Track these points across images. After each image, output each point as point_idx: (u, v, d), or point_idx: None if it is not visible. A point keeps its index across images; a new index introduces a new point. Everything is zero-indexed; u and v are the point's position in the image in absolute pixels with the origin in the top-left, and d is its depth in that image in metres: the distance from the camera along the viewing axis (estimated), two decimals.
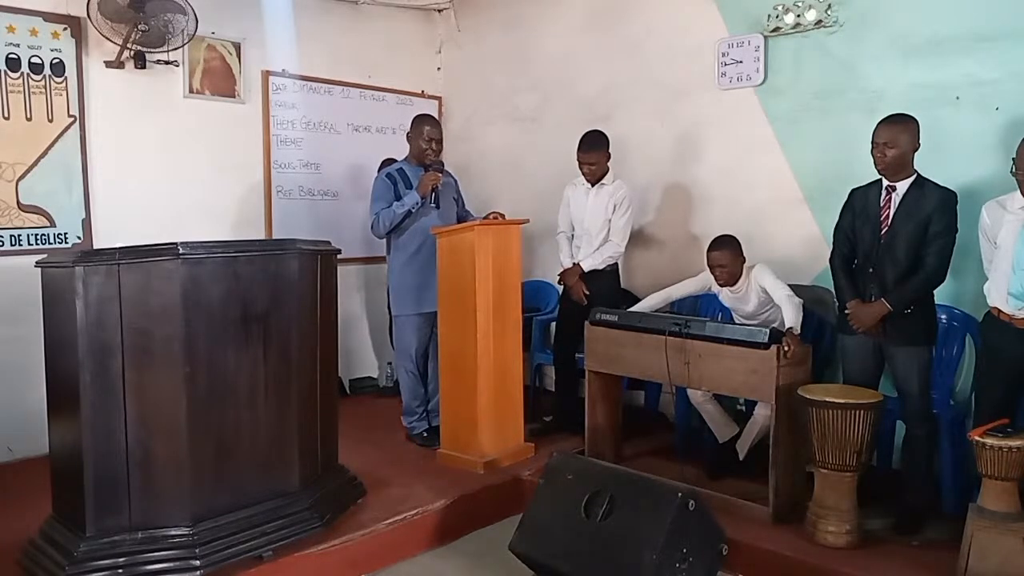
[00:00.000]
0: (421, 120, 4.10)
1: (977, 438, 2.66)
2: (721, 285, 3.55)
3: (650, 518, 2.59)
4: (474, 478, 3.60)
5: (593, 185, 4.12)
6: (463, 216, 4.24)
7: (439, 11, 5.60)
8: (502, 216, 3.91)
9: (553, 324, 4.70)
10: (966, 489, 3.16)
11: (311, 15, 4.92)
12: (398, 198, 3.94)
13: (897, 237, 3.04)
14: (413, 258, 4.01)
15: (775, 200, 4.04)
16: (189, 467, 2.63)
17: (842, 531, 2.93)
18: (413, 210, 3.93)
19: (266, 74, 4.73)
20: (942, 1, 3.50)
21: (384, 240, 4.14)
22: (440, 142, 4.09)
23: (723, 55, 4.19)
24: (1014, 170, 2.78)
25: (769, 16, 3.99)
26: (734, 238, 3.52)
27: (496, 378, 3.73)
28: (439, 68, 5.71)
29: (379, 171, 4.66)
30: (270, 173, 4.77)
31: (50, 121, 3.92)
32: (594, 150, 4.05)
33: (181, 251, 2.56)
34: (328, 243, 3.23)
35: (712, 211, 4.30)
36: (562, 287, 4.22)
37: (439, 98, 5.69)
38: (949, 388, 3.41)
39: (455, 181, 4.25)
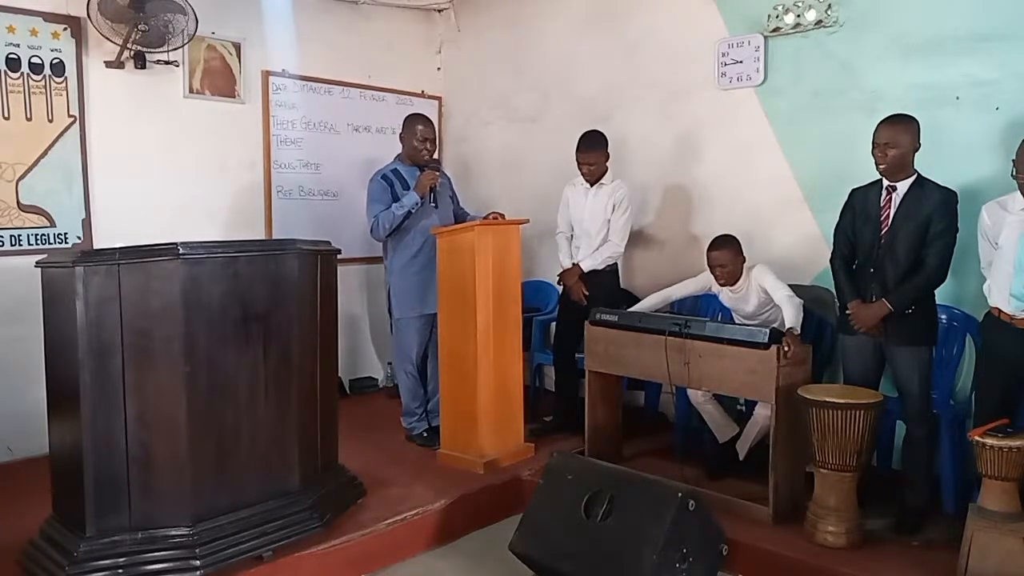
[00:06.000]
0: (413, 119, 4.08)
1: (977, 438, 2.66)
2: (721, 285, 3.55)
3: (650, 518, 2.59)
4: (474, 478, 3.60)
5: (592, 185, 4.11)
6: (459, 213, 4.23)
7: (439, 11, 5.60)
8: (502, 216, 3.91)
9: (553, 324, 4.70)
10: (966, 489, 3.17)
11: (311, 15, 4.92)
12: (395, 199, 3.93)
13: (897, 237, 3.04)
14: (414, 259, 4.00)
15: (775, 200, 4.04)
16: (189, 467, 2.63)
17: (842, 531, 2.93)
18: (412, 211, 3.92)
19: (266, 74, 4.73)
20: (942, 1, 3.50)
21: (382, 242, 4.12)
22: (434, 141, 4.08)
23: (723, 55, 4.18)
24: (1014, 173, 2.79)
25: (769, 16, 3.99)
26: (734, 238, 3.52)
27: (496, 378, 3.72)
28: (439, 68, 5.71)
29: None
30: (270, 173, 4.77)
31: (50, 121, 3.91)
32: (593, 150, 4.04)
33: (181, 251, 2.56)
34: (328, 243, 3.23)
35: (712, 211, 4.30)
36: (562, 287, 4.22)
37: (439, 98, 5.69)
38: (949, 388, 3.41)
39: (448, 179, 4.25)
